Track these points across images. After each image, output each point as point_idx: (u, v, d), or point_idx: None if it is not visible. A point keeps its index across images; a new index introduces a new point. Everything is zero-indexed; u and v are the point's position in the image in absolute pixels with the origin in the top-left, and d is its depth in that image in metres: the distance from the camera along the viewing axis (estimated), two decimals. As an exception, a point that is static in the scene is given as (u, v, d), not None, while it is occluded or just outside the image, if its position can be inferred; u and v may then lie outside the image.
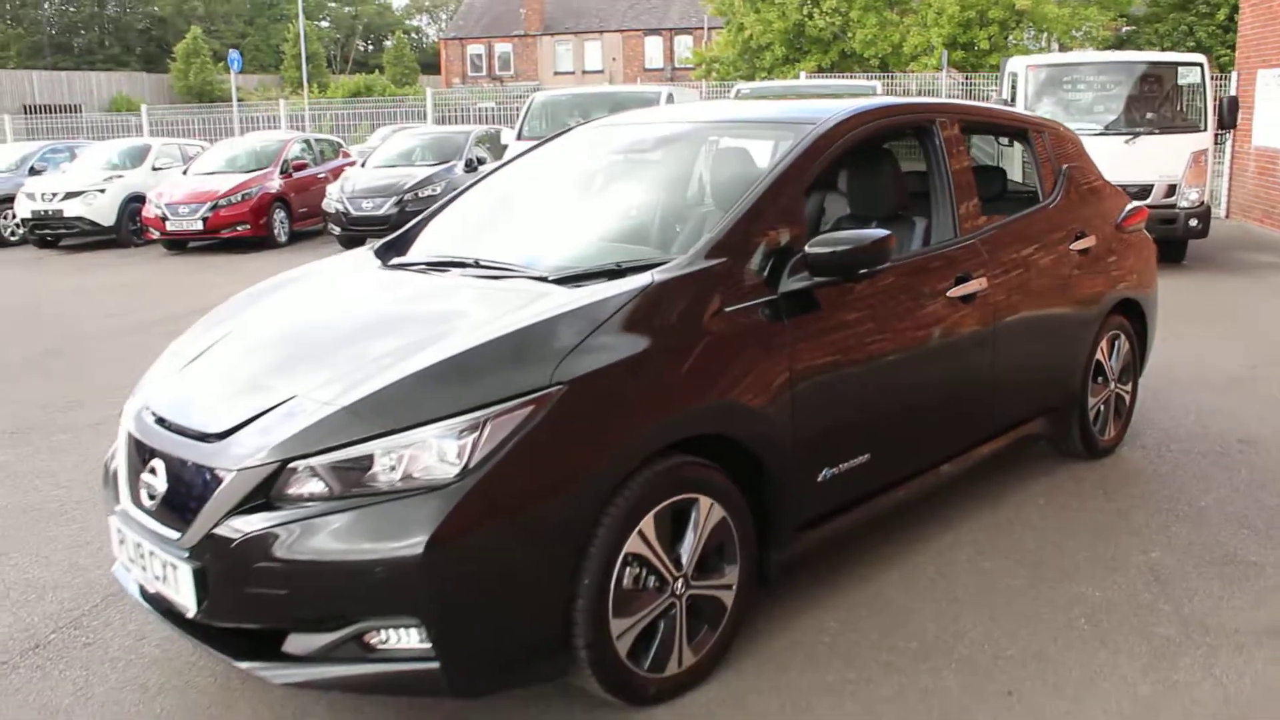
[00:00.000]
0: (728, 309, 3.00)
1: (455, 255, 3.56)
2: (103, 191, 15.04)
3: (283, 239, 14.78)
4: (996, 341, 3.98)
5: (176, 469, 2.76)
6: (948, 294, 3.73)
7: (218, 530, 2.58)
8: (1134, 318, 4.97)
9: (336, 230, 13.92)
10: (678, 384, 2.84)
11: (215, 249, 14.46)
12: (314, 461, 2.53)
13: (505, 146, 13.84)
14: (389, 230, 13.54)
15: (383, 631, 2.53)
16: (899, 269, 3.55)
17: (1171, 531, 4.06)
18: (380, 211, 13.58)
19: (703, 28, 54.28)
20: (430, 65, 64.02)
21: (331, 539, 2.47)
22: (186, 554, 2.63)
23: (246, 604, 2.59)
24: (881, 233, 3.17)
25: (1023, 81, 10.61)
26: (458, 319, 2.92)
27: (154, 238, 14.46)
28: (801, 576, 3.59)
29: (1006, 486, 4.51)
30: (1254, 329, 7.76)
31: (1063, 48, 35.25)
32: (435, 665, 2.50)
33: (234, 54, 21.36)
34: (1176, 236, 10.17)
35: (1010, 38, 33.43)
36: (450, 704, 2.92)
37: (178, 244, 14.55)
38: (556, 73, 54.70)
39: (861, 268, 3.18)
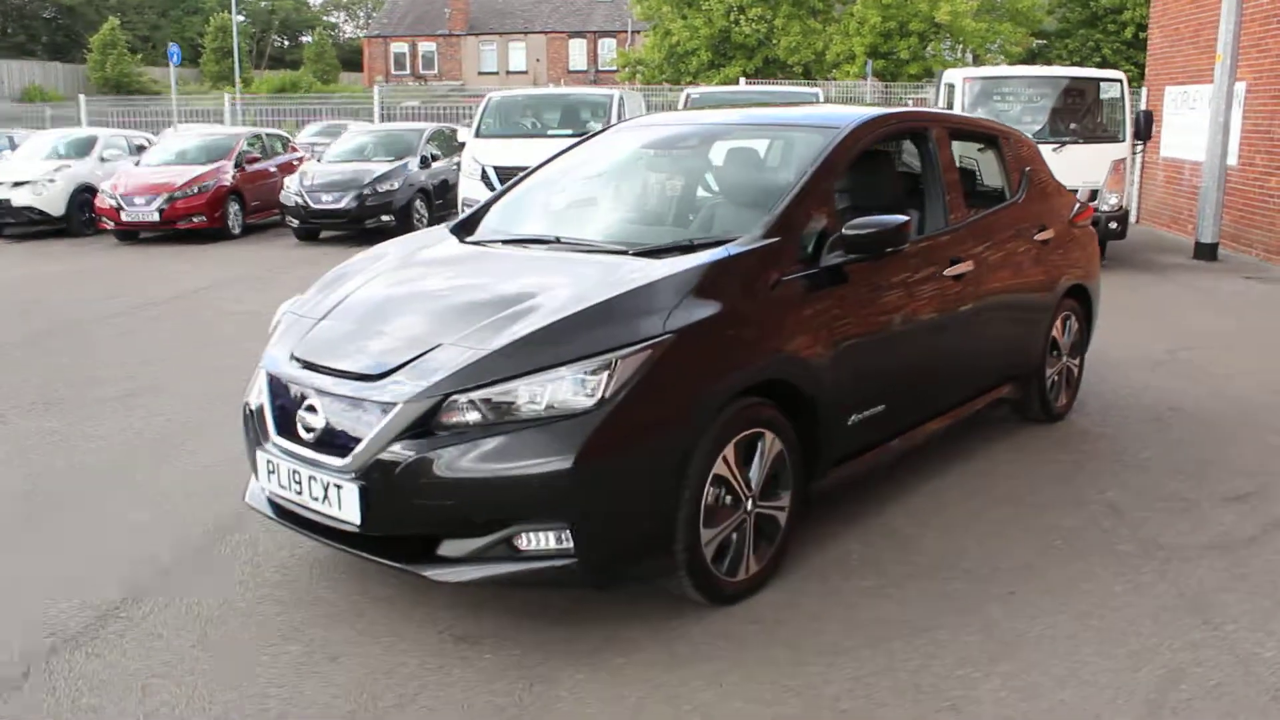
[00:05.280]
0: (784, 278, 3.63)
1: (535, 234, 4.12)
2: (53, 181, 15.04)
3: (237, 231, 14.98)
4: (979, 315, 4.67)
5: (336, 405, 3.27)
6: (944, 273, 4.40)
7: (384, 454, 3.10)
8: (1082, 301, 5.74)
9: (295, 223, 14.21)
10: (753, 337, 3.46)
11: (168, 240, 14.60)
12: (473, 395, 3.08)
13: (463, 144, 14.28)
14: (349, 224, 14.02)
15: (526, 535, 3.08)
16: (908, 250, 4.21)
17: (1122, 478, 4.80)
18: (340, 205, 13.92)
19: (626, 31, 55.01)
20: (349, 63, 63.59)
21: (493, 458, 3.02)
22: (353, 475, 3.14)
23: (410, 515, 3.12)
24: (903, 218, 3.83)
25: (959, 92, 11.46)
26: (568, 283, 3.47)
27: (107, 228, 14.54)
28: (824, 509, 4.22)
29: (979, 446, 5.20)
30: (1169, 319, 8.67)
31: (977, 60, 36.85)
32: (574, 561, 3.06)
33: (173, 47, 21.30)
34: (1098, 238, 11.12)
35: (929, 49, 34.85)
36: (558, 607, 3.48)
37: (129, 235, 14.65)
38: (481, 72, 54.87)
39: (887, 247, 3.83)
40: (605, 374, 3.07)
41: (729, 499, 3.41)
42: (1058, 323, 5.46)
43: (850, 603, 3.57)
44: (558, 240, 4.01)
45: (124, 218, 14.19)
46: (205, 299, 10.01)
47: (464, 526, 3.11)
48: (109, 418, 5.91)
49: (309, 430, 3.31)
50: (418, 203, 14.59)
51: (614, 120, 14.03)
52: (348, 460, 3.17)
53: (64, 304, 9.74)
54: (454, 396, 3.09)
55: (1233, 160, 12.03)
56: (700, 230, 4.11)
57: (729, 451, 3.35)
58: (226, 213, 14.74)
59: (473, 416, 3.08)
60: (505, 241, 4.15)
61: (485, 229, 4.40)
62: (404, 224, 14.18)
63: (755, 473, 3.49)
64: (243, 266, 12.24)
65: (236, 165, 15.18)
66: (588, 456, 2.99)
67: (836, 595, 3.62)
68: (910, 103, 30.63)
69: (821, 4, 35.15)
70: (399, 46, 55.22)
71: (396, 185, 14.25)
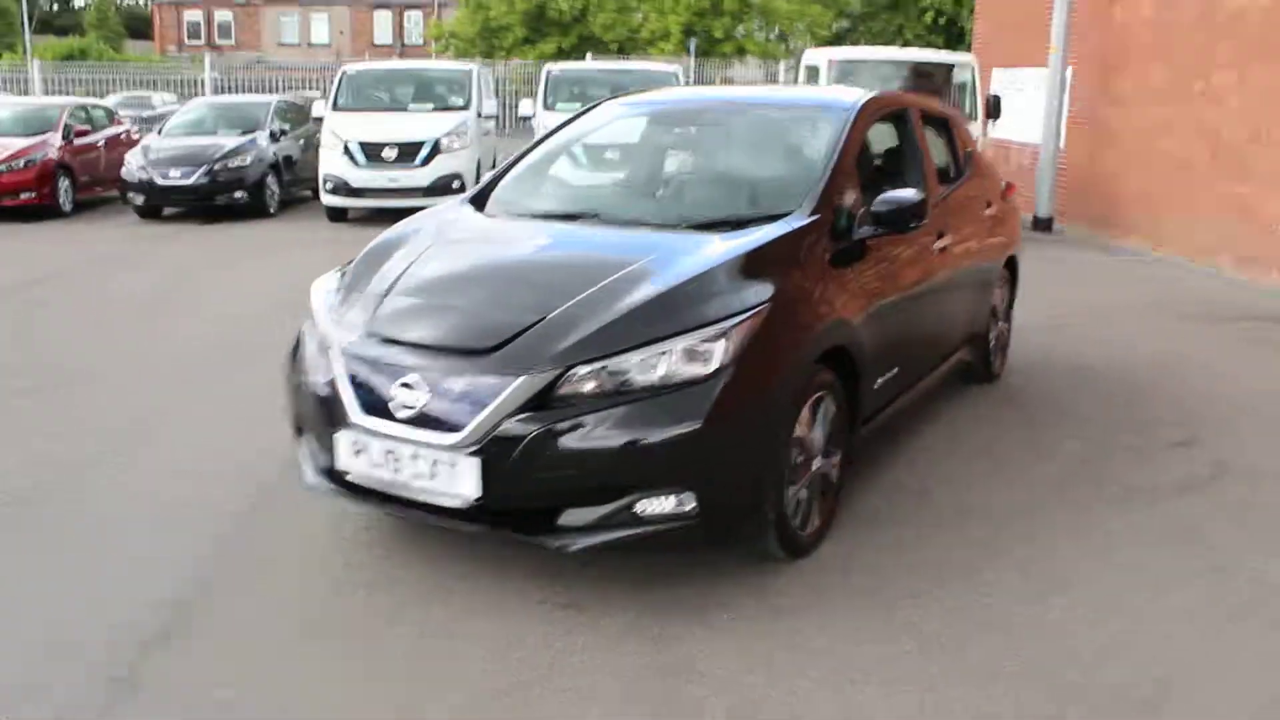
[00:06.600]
0: (832, 250, 3.87)
1: (572, 209, 4.20)
2: None
3: (68, 208, 13.99)
4: (955, 284, 5.07)
5: (441, 380, 3.27)
6: (933, 245, 4.75)
7: (503, 428, 3.15)
8: (1011, 270, 6.25)
9: (139, 199, 13.42)
10: (822, 306, 3.68)
11: (-14, 217, 13.50)
12: (592, 366, 3.17)
13: (319, 120, 13.82)
14: (198, 200, 13.28)
15: (646, 500, 3.21)
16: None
17: (1075, 429, 5.31)
18: (190, 181, 13.24)
19: (432, 4, 53.89)
20: (134, 30, 59.58)
21: (619, 427, 3.12)
22: (471, 450, 3.17)
23: (532, 488, 3.19)
24: (922, 194, 4.14)
25: (824, 73, 12.01)
26: (647, 255, 3.59)
27: (-82, 205, 13.30)
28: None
29: (938, 408, 5.60)
30: (1036, 287, 9.25)
31: (784, 39, 38.12)
32: (695, 523, 3.21)
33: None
34: (949, 212, 11.93)
35: (740, 28, 35.86)
36: (637, 570, 3.61)
37: (-64, 211, 13.46)
38: (280, 44, 52.60)
39: (911, 221, 4.12)
40: (722, 341, 3.23)
41: (801, 459, 3.63)
42: (997, 289, 5.94)
43: (900, 550, 3.86)
44: (597, 216, 4.10)
45: (-60, 194, 13.03)
46: (76, 281, 9.39)
47: (587, 495, 3.21)
48: (57, 410, 5.53)
49: (406, 408, 3.30)
50: (269, 178, 14.03)
51: (473, 95, 13.92)
52: (462, 435, 3.19)
53: (-90, 290, 8.92)
54: (576, 368, 3.17)
55: (1061, 142, 13.09)
56: (735, 206, 4.20)
57: (805, 413, 3.57)
58: (57, 188, 13.77)
59: (590, 387, 3.17)
60: (540, 216, 4.20)
61: (508, 204, 4.41)
62: (256, 200, 13.65)
63: (819, 433, 3.72)
64: (92, 246, 11.49)
65: (65, 138, 14.18)
66: (712, 422, 3.15)
67: (883, 545, 3.90)
68: (717, 80, 31.55)
69: (638, -19, 35.59)
70: (192, 14, 52.21)
71: (249, 160, 13.66)
